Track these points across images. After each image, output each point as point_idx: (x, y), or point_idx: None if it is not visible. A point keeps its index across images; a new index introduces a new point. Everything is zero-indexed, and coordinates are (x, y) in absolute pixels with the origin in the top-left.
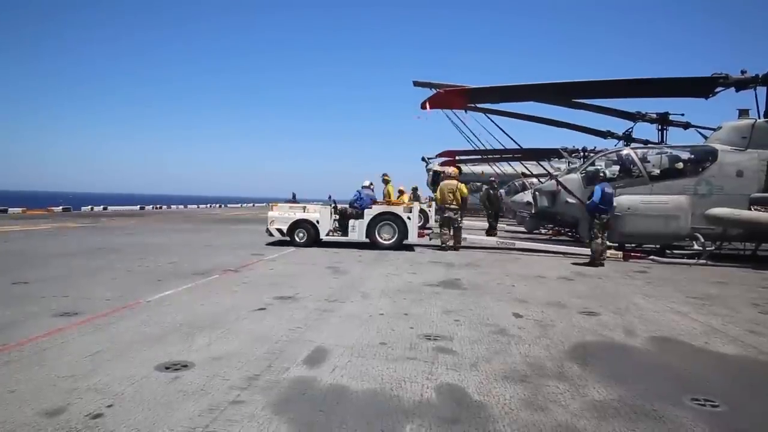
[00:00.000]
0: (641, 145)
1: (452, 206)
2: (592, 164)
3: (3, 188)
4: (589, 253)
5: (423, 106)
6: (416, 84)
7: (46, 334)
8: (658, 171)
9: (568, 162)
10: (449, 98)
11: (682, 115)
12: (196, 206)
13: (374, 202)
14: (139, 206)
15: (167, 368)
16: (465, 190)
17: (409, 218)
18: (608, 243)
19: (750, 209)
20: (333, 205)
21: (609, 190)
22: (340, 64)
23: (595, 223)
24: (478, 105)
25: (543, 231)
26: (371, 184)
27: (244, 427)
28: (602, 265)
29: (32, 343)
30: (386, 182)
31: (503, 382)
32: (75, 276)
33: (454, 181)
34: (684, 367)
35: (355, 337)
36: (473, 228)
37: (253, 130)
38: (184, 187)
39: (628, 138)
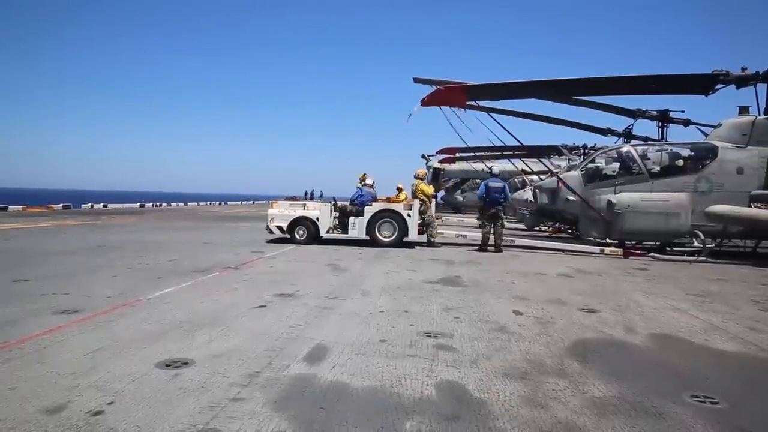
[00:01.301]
0: (641, 142)
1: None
2: (593, 161)
3: (2, 185)
4: (589, 250)
5: (423, 103)
6: (416, 80)
7: (47, 331)
8: (658, 168)
9: (569, 159)
10: (449, 95)
11: (683, 112)
12: (196, 204)
13: (374, 199)
14: (139, 204)
15: (168, 366)
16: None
17: (409, 215)
18: (608, 240)
19: (750, 206)
20: (333, 202)
21: (495, 184)
22: (340, 61)
23: (482, 214)
24: (479, 102)
25: (543, 228)
26: (366, 177)
27: (244, 424)
28: (486, 251)
29: (33, 341)
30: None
31: (503, 379)
32: (75, 274)
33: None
34: (684, 364)
35: (355, 334)
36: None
37: (252, 127)
38: (184, 185)
39: (628, 135)
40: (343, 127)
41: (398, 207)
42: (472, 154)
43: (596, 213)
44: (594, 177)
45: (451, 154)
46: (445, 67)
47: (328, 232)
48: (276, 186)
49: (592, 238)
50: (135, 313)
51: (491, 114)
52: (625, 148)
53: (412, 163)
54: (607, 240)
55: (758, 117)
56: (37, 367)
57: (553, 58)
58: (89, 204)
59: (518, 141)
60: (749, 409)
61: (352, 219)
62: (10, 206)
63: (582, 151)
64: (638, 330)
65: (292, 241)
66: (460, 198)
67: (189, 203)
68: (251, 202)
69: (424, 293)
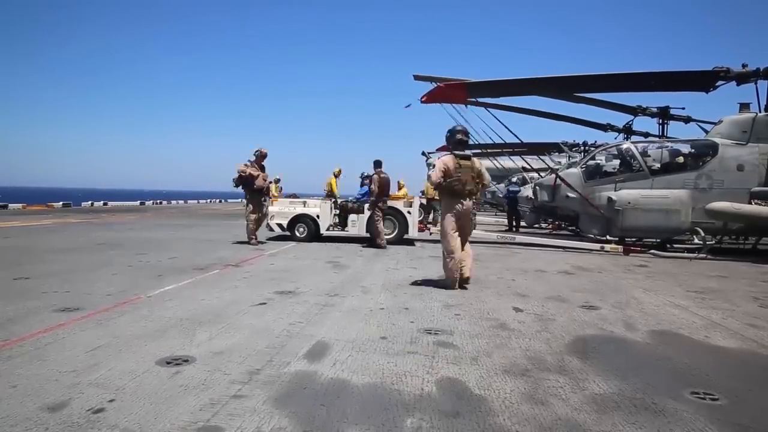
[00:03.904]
0: (642, 139)
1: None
2: (593, 158)
3: (1, 184)
4: (589, 247)
5: (422, 100)
6: (416, 78)
7: (48, 329)
8: (658, 165)
9: (569, 156)
10: (449, 92)
11: (683, 109)
12: (196, 201)
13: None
14: (139, 202)
15: (168, 363)
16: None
17: (409, 213)
18: (608, 237)
19: (750, 203)
20: (333, 199)
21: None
22: (340, 59)
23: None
24: (479, 99)
25: (543, 225)
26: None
27: (245, 422)
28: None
29: (33, 339)
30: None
31: (504, 376)
32: (76, 271)
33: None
34: (684, 360)
35: (355, 331)
36: (482, 222)
37: (252, 125)
38: (183, 183)
39: (628, 131)
40: (343, 125)
41: (398, 204)
42: (472, 151)
43: (596, 210)
44: (594, 174)
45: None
46: (444, 64)
47: (328, 229)
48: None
49: (592, 235)
50: (135, 311)
51: (491, 110)
52: (626, 145)
53: (413, 161)
54: (608, 237)
55: (759, 114)
56: (38, 365)
57: (553, 54)
58: (89, 202)
59: (518, 138)
60: (749, 406)
61: (352, 216)
62: (10, 204)
63: (582, 148)
64: (638, 327)
65: (292, 238)
66: None
67: (189, 201)
68: None
69: (424, 290)
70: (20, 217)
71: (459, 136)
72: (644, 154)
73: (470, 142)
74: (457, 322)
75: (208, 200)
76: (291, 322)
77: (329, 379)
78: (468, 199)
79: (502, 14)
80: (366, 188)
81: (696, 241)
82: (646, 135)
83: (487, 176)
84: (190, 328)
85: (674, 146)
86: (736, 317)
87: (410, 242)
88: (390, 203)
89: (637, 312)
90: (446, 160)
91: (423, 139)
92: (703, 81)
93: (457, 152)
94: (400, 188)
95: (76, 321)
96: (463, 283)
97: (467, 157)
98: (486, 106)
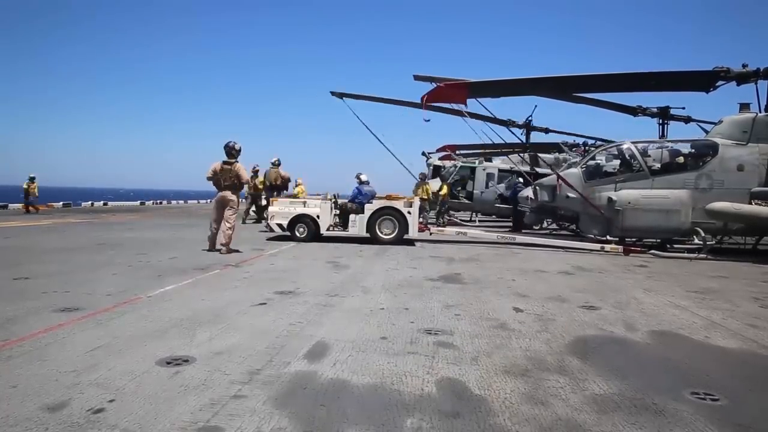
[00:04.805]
0: (642, 139)
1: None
2: (593, 159)
3: (1, 183)
4: (589, 247)
5: (423, 100)
6: (417, 78)
7: (48, 329)
8: (658, 165)
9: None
10: (450, 92)
11: (683, 108)
12: (196, 201)
13: (374, 197)
14: (139, 201)
15: (168, 363)
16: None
17: (409, 213)
18: (609, 237)
19: (751, 203)
20: (333, 199)
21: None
22: (338, 58)
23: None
24: (479, 99)
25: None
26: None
27: (245, 422)
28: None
29: (33, 339)
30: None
31: (504, 376)
32: (76, 271)
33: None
34: (684, 361)
35: (355, 331)
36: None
37: (251, 126)
38: (183, 183)
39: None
40: (342, 124)
41: (399, 204)
42: (472, 151)
43: (597, 210)
44: (594, 174)
45: (451, 151)
46: (445, 64)
47: (328, 229)
48: None
49: (592, 236)
50: (136, 311)
51: (492, 112)
52: (626, 145)
53: (413, 161)
54: (608, 237)
55: (759, 114)
56: (38, 365)
57: (554, 54)
58: (89, 202)
59: (518, 138)
60: (749, 406)
61: (352, 216)
62: (10, 204)
63: (583, 148)
64: (639, 327)
65: (292, 238)
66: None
67: (189, 201)
68: None
69: (424, 290)
70: (20, 217)
71: (226, 149)
72: (644, 154)
73: (470, 143)
74: (457, 323)
75: (209, 200)
76: (291, 323)
77: (329, 379)
78: (225, 189)
79: (502, 14)
80: (356, 189)
81: (696, 241)
82: (608, 142)
83: (244, 176)
84: (190, 328)
85: (674, 146)
86: (737, 317)
87: (410, 242)
88: (390, 203)
89: (637, 312)
90: (215, 165)
91: (423, 139)
92: (703, 81)
93: (225, 160)
94: (297, 185)
95: (76, 321)
96: (219, 246)
97: (231, 163)
98: (484, 119)
